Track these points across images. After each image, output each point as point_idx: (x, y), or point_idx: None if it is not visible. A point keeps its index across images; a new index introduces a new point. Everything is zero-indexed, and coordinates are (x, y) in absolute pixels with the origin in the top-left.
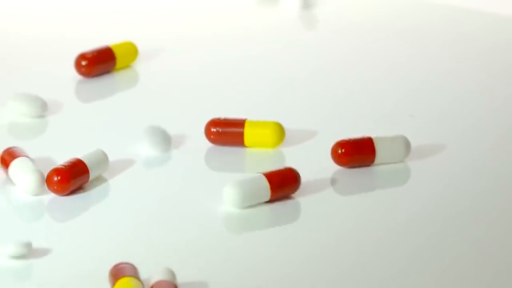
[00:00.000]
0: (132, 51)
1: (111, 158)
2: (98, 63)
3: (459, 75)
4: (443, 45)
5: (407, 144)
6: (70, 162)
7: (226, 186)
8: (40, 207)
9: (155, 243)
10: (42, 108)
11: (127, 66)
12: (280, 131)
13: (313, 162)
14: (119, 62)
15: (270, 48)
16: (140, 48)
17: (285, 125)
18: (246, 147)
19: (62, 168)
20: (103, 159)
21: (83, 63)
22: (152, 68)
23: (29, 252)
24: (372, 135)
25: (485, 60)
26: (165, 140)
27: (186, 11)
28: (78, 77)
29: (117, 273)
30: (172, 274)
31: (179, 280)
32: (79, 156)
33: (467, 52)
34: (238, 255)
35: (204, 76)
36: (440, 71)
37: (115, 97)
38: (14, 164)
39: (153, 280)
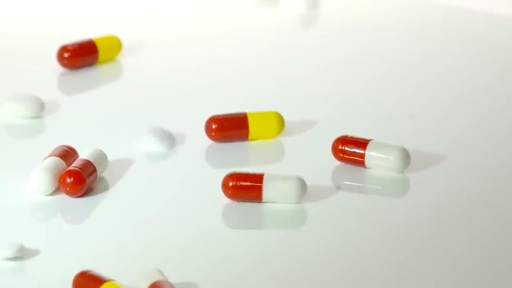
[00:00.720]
0: (115, 44)
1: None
2: (80, 55)
3: (459, 75)
4: (443, 45)
5: (404, 158)
6: (81, 163)
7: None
8: (47, 208)
9: (155, 243)
10: (40, 108)
11: (110, 60)
12: (281, 120)
13: (313, 159)
14: (102, 55)
15: (269, 48)
16: (144, 46)
17: (286, 124)
18: (248, 140)
19: (75, 170)
20: (104, 158)
21: (66, 55)
22: (139, 63)
23: (23, 253)
24: (376, 139)
25: (485, 60)
26: (170, 137)
27: (185, 10)
28: (61, 69)
29: (93, 280)
30: (162, 274)
31: (179, 280)
32: (84, 156)
33: (467, 52)
34: (238, 255)
35: (200, 75)
36: (440, 71)
37: (99, 91)
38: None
39: (147, 281)
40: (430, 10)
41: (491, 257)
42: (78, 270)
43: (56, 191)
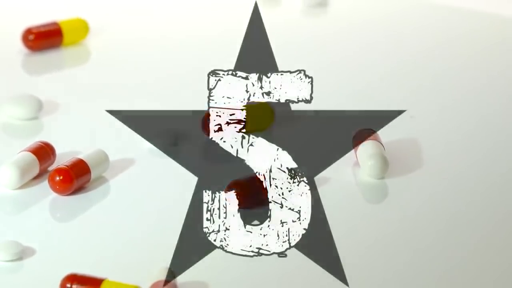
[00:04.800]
0: (81, 27)
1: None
2: (45, 38)
3: (459, 75)
4: (443, 45)
5: (382, 164)
6: (72, 161)
7: None
8: (20, 202)
9: (154, 243)
10: (39, 109)
11: (76, 43)
12: (272, 111)
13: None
14: (67, 38)
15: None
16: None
17: (287, 123)
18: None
19: (64, 167)
20: (102, 158)
21: (30, 37)
22: (105, 47)
23: (20, 254)
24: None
25: (485, 60)
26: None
27: (180, 9)
28: (26, 51)
29: (88, 281)
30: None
31: (179, 280)
32: (80, 156)
33: (467, 52)
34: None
35: (172, 62)
36: (440, 72)
37: (64, 73)
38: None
39: (153, 280)
40: (430, 10)
41: (475, 265)
42: (79, 269)
43: (24, 185)
